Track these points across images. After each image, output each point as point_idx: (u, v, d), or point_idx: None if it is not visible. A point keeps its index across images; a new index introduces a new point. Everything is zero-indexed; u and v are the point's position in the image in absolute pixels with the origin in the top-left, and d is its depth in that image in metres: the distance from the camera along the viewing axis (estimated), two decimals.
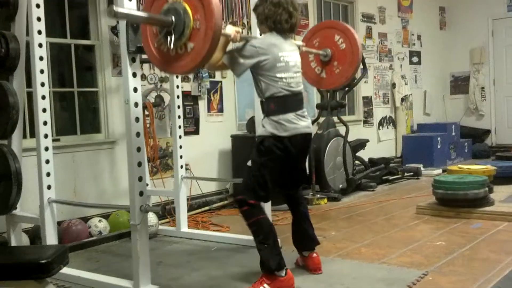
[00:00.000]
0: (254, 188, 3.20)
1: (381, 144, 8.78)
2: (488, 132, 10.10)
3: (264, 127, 3.24)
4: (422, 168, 7.92)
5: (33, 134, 3.87)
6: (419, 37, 9.82)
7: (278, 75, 3.20)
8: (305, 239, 3.53)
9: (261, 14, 3.32)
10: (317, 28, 4.25)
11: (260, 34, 3.47)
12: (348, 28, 4.04)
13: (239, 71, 3.21)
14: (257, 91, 3.34)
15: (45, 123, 3.61)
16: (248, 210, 3.20)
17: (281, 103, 3.21)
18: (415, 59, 9.74)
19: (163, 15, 2.77)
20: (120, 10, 2.63)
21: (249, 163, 3.30)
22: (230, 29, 3.15)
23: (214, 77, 6.05)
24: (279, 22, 3.26)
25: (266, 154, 3.21)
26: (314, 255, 3.50)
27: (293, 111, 3.24)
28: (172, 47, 2.75)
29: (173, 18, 2.72)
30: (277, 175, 3.29)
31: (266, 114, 3.26)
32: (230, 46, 3.27)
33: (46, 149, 3.62)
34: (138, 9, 3.23)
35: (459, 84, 10.45)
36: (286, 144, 3.21)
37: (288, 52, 3.27)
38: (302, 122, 3.28)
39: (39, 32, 3.60)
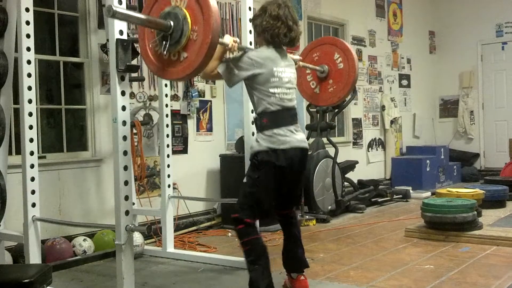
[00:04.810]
0: (251, 206, 3.16)
1: (370, 166, 8.78)
2: (477, 155, 10.15)
3: (258, 141, 3.21)
4: (411, 191, 7.93)
5: (19, 151, 3.83)
6: (408, 61, 9.91)
7: (271, 90, 3.17)
8: (295, 261, 3.47)
9: (259, 26, 3.26)
10: (318, 42, 4.24)
11: (256, 45, 3.41)
12: (349, 49, 4.02)
13: (232, 82, 3.20)
14: (252, 104, 3.33)
15: (31, 140, 3.58)
16: (243, 228, 3.16)
17: (274, 118, 3.19)
18: (404, 82, 9.80)
19: (163, 17, 2.71)
20: (119, 10, 2.51)
21: (244, 179, 3.26)
22: (228, 39, 3.12)
23: (204, 96, 6.04)
24: (277, 36, 3.21)
25: (260, 168, 3.17)
26: (302, 278, 3.44)
27: (286, 126, 3.21)
28: (165, 53, 2.71)
29: (172, 23, 2.67)
30: (271, 193, 3.22)
31: (259, 129, 3.23)
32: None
33: (32, 166, 3.58)
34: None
35: (448, 108, 10.52)
36: (281, 158, 3.16)
37: (283, 68, 3.24)
38: (296, 135, 3.24)
39: (28, 49, 3.59)
